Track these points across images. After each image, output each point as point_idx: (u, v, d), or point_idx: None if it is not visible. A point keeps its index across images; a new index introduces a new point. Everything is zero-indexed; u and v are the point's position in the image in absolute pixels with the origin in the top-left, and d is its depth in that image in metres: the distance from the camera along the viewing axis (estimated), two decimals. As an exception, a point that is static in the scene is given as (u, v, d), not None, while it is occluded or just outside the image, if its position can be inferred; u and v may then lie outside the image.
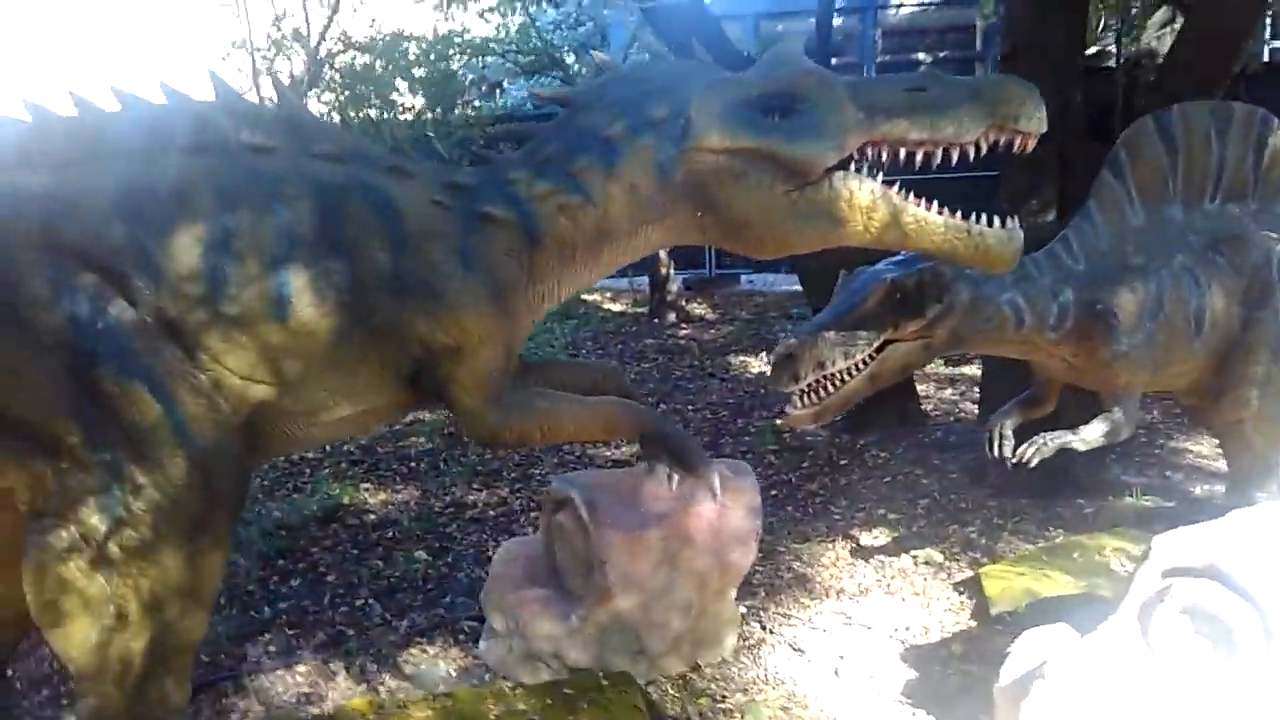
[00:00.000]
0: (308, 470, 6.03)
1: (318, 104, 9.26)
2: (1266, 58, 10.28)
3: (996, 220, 2.62)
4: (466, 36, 11.91)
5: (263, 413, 2.36)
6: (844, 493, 5.26)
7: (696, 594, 3.47)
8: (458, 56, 11.88)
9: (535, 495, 5.58)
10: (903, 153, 2.55)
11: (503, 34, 13.37)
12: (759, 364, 8.66)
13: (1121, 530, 4.34)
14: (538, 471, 6.00)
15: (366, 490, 5.73)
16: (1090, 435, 3.58)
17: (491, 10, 12.80)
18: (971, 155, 2.58)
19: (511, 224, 2.55)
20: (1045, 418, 3.98)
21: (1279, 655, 2.47)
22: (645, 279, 11.16)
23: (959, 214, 2.60)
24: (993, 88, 2.52)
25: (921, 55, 19.60)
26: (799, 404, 3.37)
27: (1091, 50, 6.31)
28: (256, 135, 2.39)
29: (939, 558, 4.39)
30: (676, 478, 3.08)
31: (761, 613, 3.98)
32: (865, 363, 3.32)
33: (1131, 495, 4.88)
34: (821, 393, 3.32)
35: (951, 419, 6.53)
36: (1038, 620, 3.64)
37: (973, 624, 3.84)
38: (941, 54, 19.76)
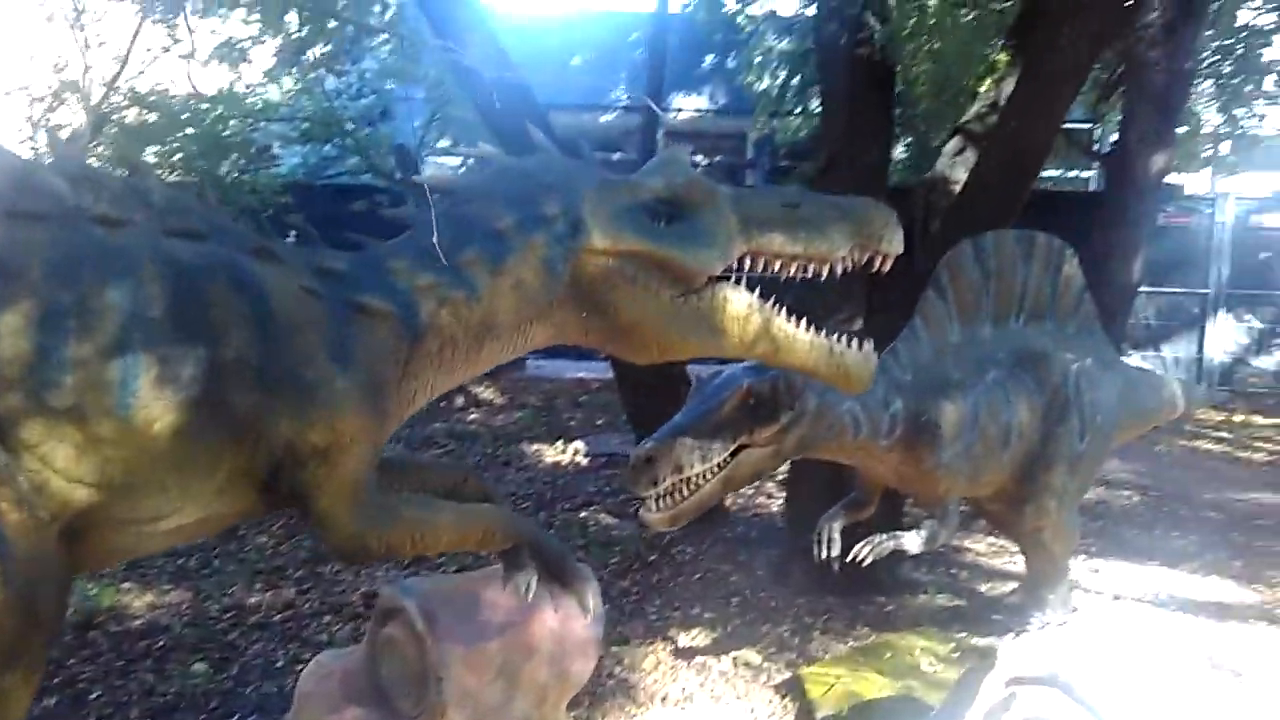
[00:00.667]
0: (57, 566, 5.30)
1: (95, 160, 8.44)
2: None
3: (855, 342, 2.74)
4: (250, 100, 11.34)
5: (89, 520, 2.01)
6: (657, 591, 5.20)
7: (534, 709, 3.27)
8: (233, 120, 11.28)
9: (327, 597, 5.17)
10: (777, 265, 2.66)
11: (279, 98, 12.87)
12: (554, 453, 8.55)
13: (925, 630, 4.53)
14: (327, 569, 5.56)
15: (129, 592, 5.09)
16: (913, 541, 3.73)
17: (267, 75, 12.29)
18: (838, 272, 2.69)
19: (389, 316, 2.35)
20: (866, 520, 4.12)
21: (1117, 763, 2.59)
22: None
23: (823, 333, 2.69)
24: (859, 209, 2.66)
25: (699, 158, 20.61)
26: (655, 508, 3.30)
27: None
28: (102, 204, 2.08)
29: (756, 659, 4.40)
30: (533, 588, 2.90)
31: (589, 724, 3.82)
32: (720, 467, 3.31)
33: (926, 593, 5.11)
34: (678, 496, 3.28)
35: (751, 514, 6.65)
36: (861, 723, 3.71)
37: (798, 729, 3.84)
38: (716, 158, 20.87)
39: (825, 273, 2.65)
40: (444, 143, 14.77)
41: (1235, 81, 15.29)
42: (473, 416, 9.94)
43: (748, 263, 2.63)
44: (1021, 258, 4.07)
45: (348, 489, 2.28)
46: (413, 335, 2.40)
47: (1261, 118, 16.46)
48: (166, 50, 8.98)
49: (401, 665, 3.22)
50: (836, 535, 3.93)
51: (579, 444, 8.72)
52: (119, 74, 8.55)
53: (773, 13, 15.11)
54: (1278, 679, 4.10)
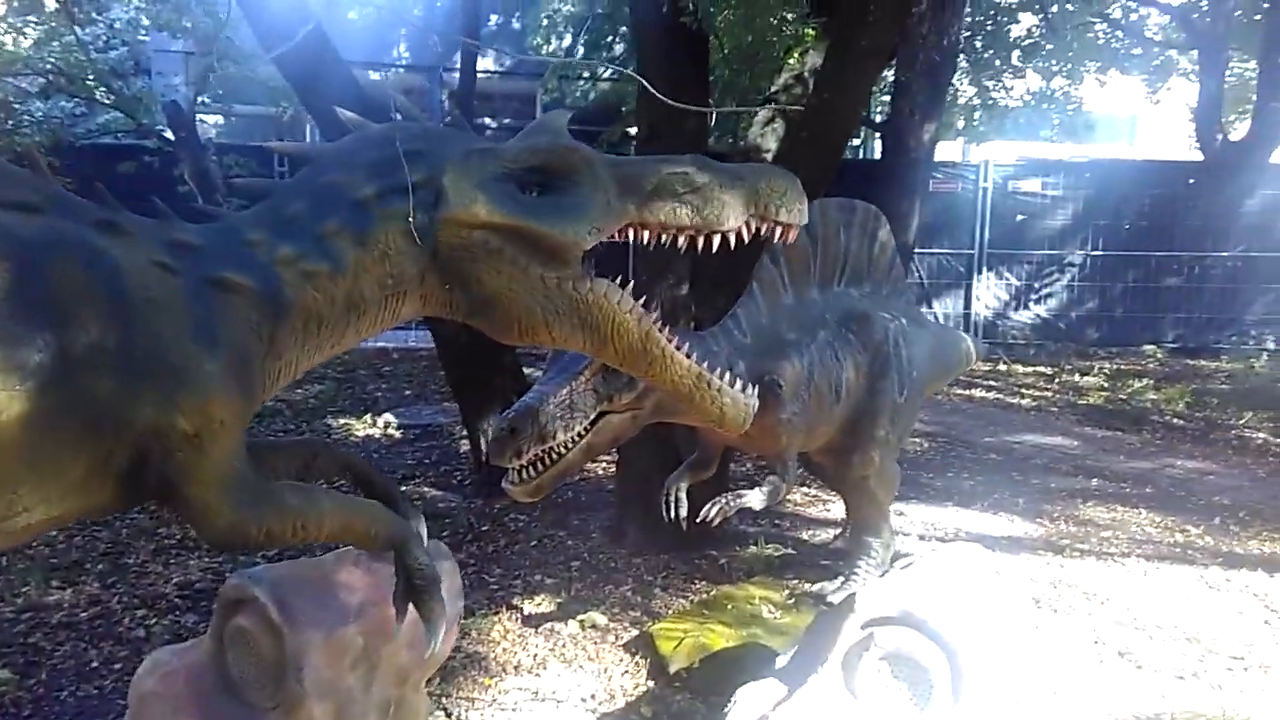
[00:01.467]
0: None
1: None
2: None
3: (739, 382, 2.58)
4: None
5: None
6: (495, 561, 5.17)
7: (395, 689, 3.20)
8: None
9: (136, 590, 4.82)
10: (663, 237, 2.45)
11: (25, 50, 11.66)
12: (363, 426, 8.28)
13: (761, 580, 4.74)
14: (132, 560, 5.18)
15: (-97, 600, 4.56)
16: (759, 497, 3.87)
17: (6, 23, 11.11)
18: (732, 243, 2.48)
19: (251, 291, 2.18)
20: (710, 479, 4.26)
21: (966, 690, 2.82)
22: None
23: (706, 365, 2.53)
24: (756, 176, 2.46)
25: (487, 120, 20.34)
26: (517, 479, 3.27)
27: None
28: None
29: (603, 620, 4.47)
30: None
31: (444, 699, 3.77)
32: (581, 435, 3.31)
33: (755, 544, 5.32)
34: (540, 466, 3.26)
35: (579, 479, 6.69)
36: (712, 675, 3.87)
37: (652, 684, 3.94)
38: (505, 120, 20.64)
39: (717, 244, 2.44)
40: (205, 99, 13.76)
41: (986, 55, 16.68)
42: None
43: (631, 235, 2.44)
44: (844, 225, 4.28)
45: (221, 475, 2.12)
46: (276, 311, 2.25)
47: (1009, 89, 18.04)
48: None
49: (254, 657, 3.06)
50: (683, 496, 4.02)
51: (389, 416, 8.49)
52: None
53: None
54: (1070, 602, 4.60)
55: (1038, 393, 10.38)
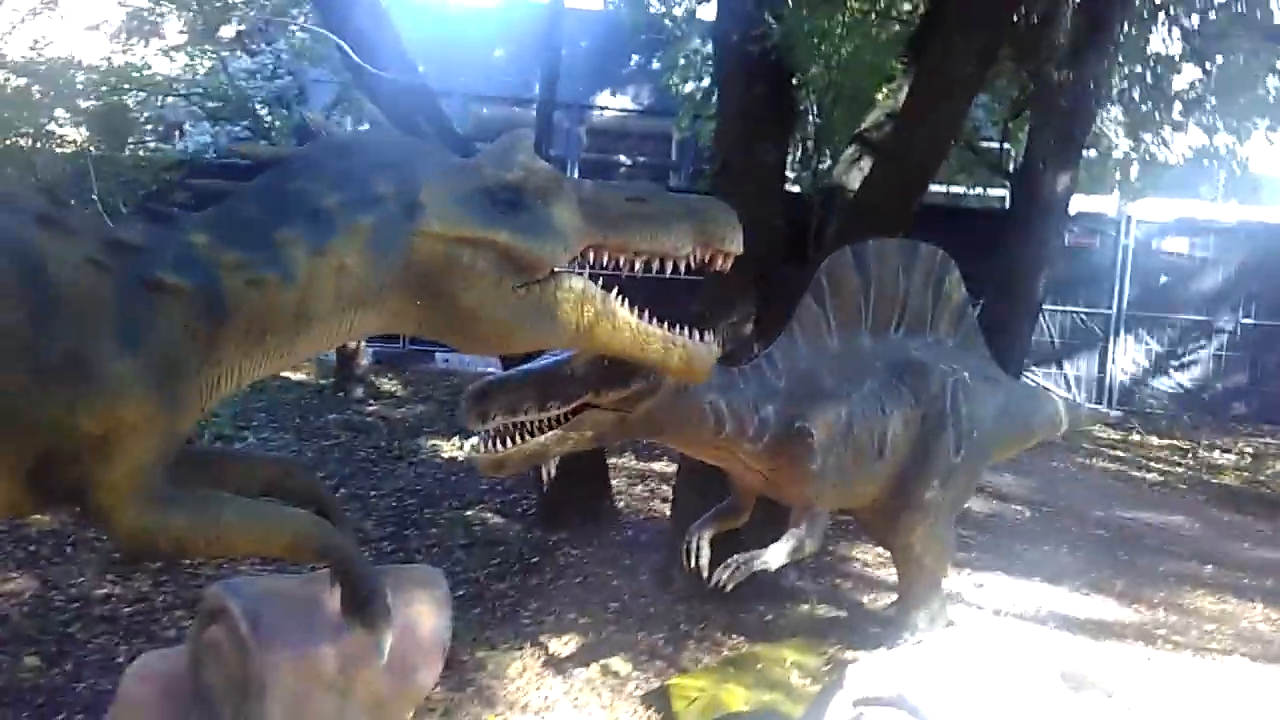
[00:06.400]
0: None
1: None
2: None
3: (697, 333, 2.78)
4: (147, 73, 10.81)
5: None
6: (535, 594, 5.03)
7: (370, 718, 3.08)
8: (134, 92, 10.78)
9: (183, 591, 4.89)
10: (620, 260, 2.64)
11: (189, 75, 12.38)
12: (451, 448, 8.33)
13: (798, 642, 4.43)
14: (188, 563, 5.28)
15: (-28, 579, 4.78)
16: (776, 555, 3.61)
17: (176, 49, 11.81)
18: (682, 269, 2.72)
19: (188, 294, 2.13)
20: (740, 528, 4.03)
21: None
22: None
23: (666, 324, 2.72)
24: (703, 207, 2.72)
25: (622, 157, 20.53)
26: (482, 447, 3.12)
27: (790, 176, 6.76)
28: None
29: (625, 668, 4.26)
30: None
31: (442, 732, 3.65)
32: (560, 421, 3.12)
33: (808, 603, 5.00)
34: (509, 441, 3.08)
35: (642, 517, 6.51)
36: (722, 737, 3.60)
37: (659, 742, 3.72)
38: (640, 158, 20.80)
39: (669, 269, 2.68)
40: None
41: (1144, 108, 15.76)
42: (372, 408, 9.65)
43: (590, 256, 2.60)
44: (904, 267, 4.00)
45: (131, 482, 2.07)
46: (215, 317, 2.19)
47: (1169, 145, 16.98)
48: (39, 9, 8.32)
49: (224, 671, 3.01)
50: (705, 545, 3.81)
51: (476, 440, 8.49)
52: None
53: (692, 14, 15.05)
54: (1148, 699, 4.11)
55: (1167, 467, 9.56)
